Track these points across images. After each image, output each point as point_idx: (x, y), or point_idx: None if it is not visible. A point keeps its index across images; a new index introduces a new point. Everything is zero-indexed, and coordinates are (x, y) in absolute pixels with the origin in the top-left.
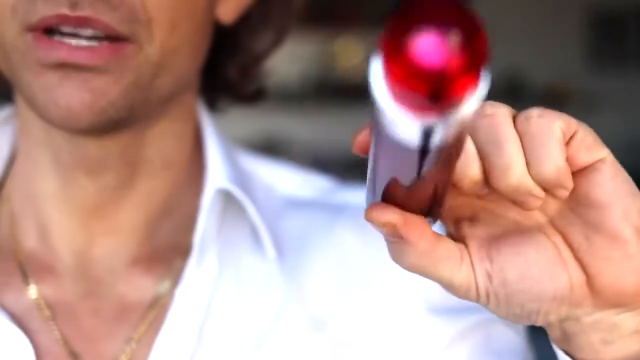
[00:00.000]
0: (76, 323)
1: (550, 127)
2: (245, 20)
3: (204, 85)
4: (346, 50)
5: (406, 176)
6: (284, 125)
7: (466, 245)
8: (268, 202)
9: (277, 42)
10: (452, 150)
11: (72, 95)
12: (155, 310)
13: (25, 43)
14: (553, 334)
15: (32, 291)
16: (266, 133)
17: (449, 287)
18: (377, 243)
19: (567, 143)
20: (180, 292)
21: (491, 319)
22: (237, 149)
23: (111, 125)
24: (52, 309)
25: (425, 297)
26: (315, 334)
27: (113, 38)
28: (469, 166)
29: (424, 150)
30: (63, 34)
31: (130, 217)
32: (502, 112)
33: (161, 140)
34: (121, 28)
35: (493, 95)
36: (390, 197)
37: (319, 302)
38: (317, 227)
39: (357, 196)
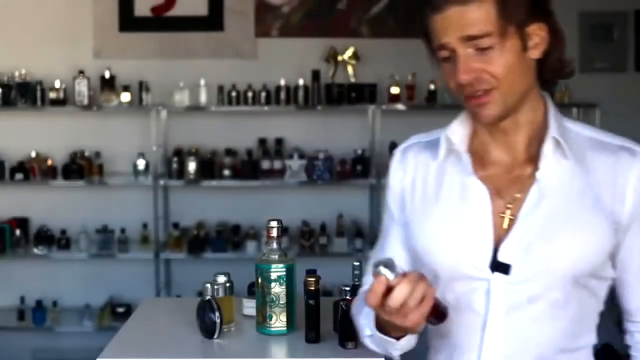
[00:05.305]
0: (499, 182)
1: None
2: (546, 53)
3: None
4: None
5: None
6: None
7: None
8: (577, 139)
9: (560, 56)
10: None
11: (484, 114)
12: (530, 180)
13: (463, 99)
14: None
15: (489, 170)
16: None
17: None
18: (618, 165)
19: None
20: (539, 174)
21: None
22: (561, 114)
23: (499, 120)
24: (487, 176)
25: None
26: (591, 193)
27: (486, 91)
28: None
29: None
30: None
31: (518, 144)
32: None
33: (526, 112)
34: (488, 87)
35: None
36: None
37: (592, 179)
38: (593, 147)
39: (612, 139)
